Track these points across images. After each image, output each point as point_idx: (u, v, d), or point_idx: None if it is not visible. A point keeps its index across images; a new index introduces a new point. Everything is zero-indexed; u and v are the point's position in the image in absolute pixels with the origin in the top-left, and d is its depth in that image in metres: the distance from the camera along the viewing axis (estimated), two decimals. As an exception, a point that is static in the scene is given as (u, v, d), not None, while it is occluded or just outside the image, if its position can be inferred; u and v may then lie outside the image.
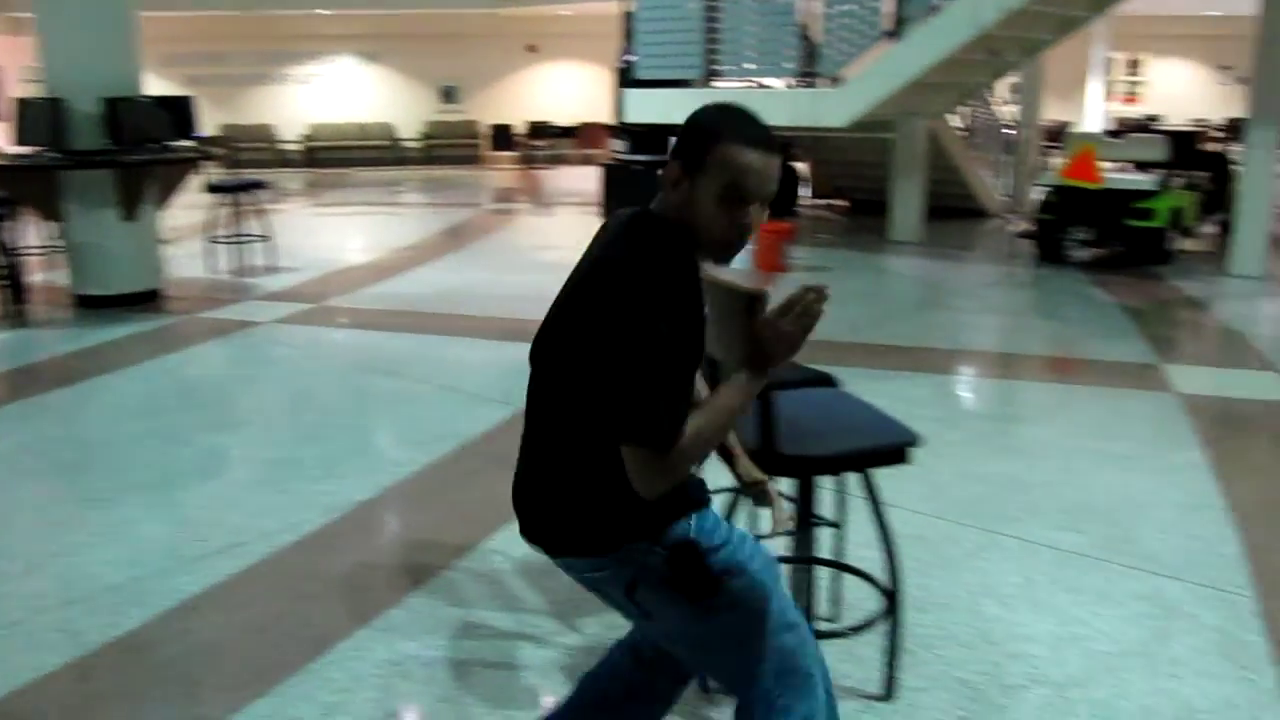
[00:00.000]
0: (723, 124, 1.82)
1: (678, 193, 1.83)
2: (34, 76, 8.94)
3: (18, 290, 7.67)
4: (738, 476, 2.23)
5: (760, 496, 2.21)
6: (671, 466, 1.74)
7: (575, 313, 1.82)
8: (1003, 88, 14.96)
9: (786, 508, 2.20)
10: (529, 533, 1.99)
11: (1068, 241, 9.55)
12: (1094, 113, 21.62)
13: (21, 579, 3.50)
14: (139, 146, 7.59)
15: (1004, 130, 13.72)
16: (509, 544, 3.69)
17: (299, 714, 2.70)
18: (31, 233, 8.80)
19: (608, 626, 3.12)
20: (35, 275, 8.53)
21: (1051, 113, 18.35)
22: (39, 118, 7.45)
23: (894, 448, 2.37)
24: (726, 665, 1.95)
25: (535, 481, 1.95)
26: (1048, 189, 9.82)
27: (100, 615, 3.23)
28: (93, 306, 7.69)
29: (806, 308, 1.80)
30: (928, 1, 9.13)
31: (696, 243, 1.84)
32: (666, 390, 1.72)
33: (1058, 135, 15.53)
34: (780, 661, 1.91)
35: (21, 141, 7.69)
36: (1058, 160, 11.14)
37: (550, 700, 2.71)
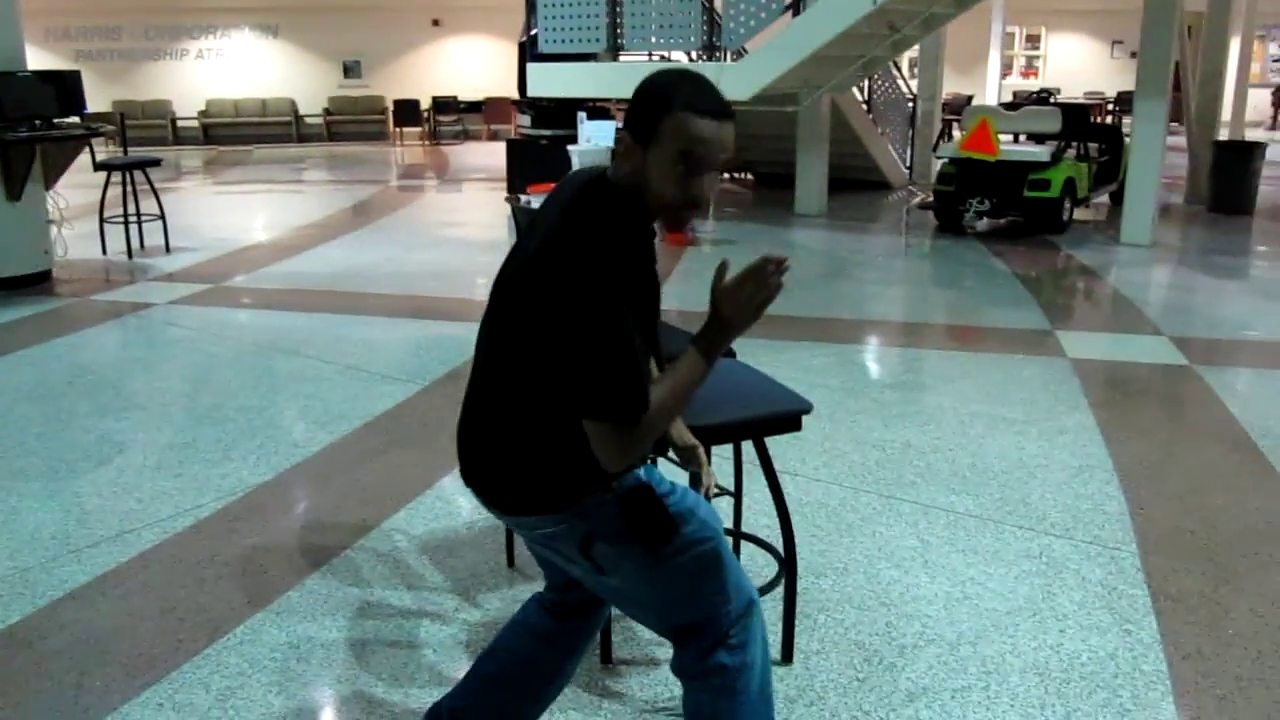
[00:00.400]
0: (674, 92, 1.79)
1: (630, 162, 1.82)
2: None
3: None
4: (671, 442, 2.25)
5: (692, 460, 2.24)
6: (637, 440, 1.77)
7: (534, 285, 1.80)
8: (906, 62, 15.19)
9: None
10: (476, 486, 1.98)
11: (967, 212, 9.75)
12: (993, 86, 22.06)
13: (-101, 573, 3.37)
14: (22, 124, 7.30)
15: (907, 103, 13.94)
16: (410, 523, 3.66)
17: (193, 700, 2.65)
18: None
19: (510, 601, 3.12)
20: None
21: (953, 86, 18.71)
22: (-88, 93, 7.11)
23: (787, 415, 2.40)
24: (683, 611, 1.97)
25: (486, 442, 1.94)
26: (947, 161, 10.01)
27: (-17, 608, 3.13)
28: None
29: (764, 280, 1.80)
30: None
31: (650, 210, 1.85)
32: (630, 366, 1.73)
33: (959, 109, 15.85)
34: (736, 600, 1.96)
35: (-106, 118, 7.34)
36: (958, 133, 11.36)
37: (453, 675, 2.70)
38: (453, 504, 3.83)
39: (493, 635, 2.91)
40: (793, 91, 10.18)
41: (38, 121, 7.46)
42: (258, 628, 2.99)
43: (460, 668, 2.77)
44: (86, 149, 8.22)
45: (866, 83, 13.24)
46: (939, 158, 10.98)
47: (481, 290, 7.82)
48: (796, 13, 9.40)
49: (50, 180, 7.80)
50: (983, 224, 10.01)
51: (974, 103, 14.68)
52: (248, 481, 4.07)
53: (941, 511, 3.76)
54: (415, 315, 6.91)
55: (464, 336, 6.25)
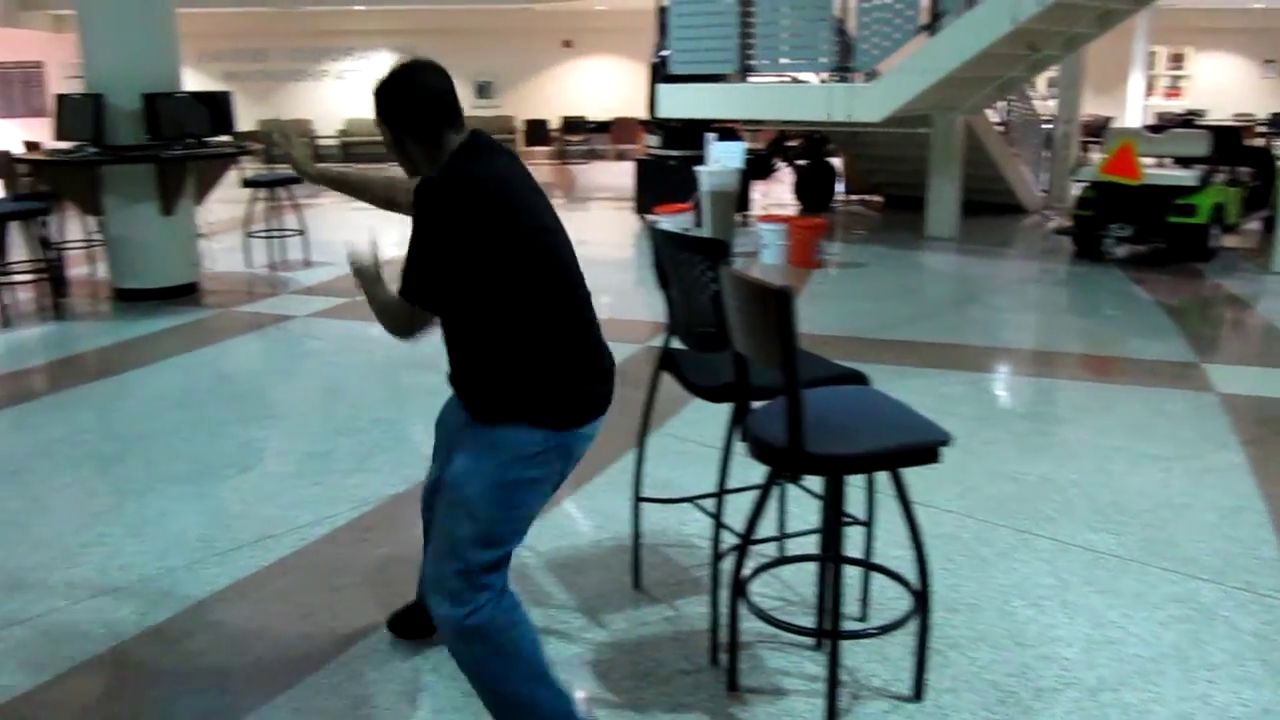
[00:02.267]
0: None
1: None
2: (75, 72, 9.04)
3: (58, 284, 7.77)
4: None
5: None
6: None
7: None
8: (1042, 82, 14.80)
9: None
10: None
11: (1107, 238, 9.43)
12: (1135, 108, 21.33)
13: (60, 568, 3.54)
14: (177, 142, 7.67)
15: (1043, 125, 13.58)
16: (537, 539, 3.69)
17: (327, 706, 2.72)
18: (72, 227, 8.90)
19: (635, 623, 3.11)
20: (76, 269, 8.63)
21: (1091, 107, 18.15)
22: (80, 113, 7.54)
23: (925, 446, 2.34)
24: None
25: None
26: (1087, 185, 9.70)
27: (134, 605, 3.27)
28: (131, 300, 7.79)
29: None
30: (965, -5, 9.05)
31: None
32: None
33: (1098, 130, 15.37)
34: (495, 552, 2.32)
35: (62, 136, 7.79)
36: (1097, 156, 11.01)
37: (578, 695, 2.71)
38: (579, 522, 3.86)
39: (619, 656, 2.93)
40: (926, 113, 10.03)
41: (191, 140, 7.82)
42: (391, 636, 3.05)
43: (586, 686, 2.78)
44: (234, 166, 8.59)
45: (1002, 104, 12.94)
46: (1078, 181, 10.65)
47: (607, 309, 7.88)
48: (932, 33, 9.26)
49: (201, 196, 8.16)
50: (1123, 250, 9.67)
51: (1114, 124, 14.22)
52: (380, 492, 4.17)
53: (1080, 549, 3.62)
54: (543, 332, 6.99)
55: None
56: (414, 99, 2.39)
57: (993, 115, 12.75)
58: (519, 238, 2.23)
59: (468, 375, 2.38)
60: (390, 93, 2.40)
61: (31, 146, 10.33)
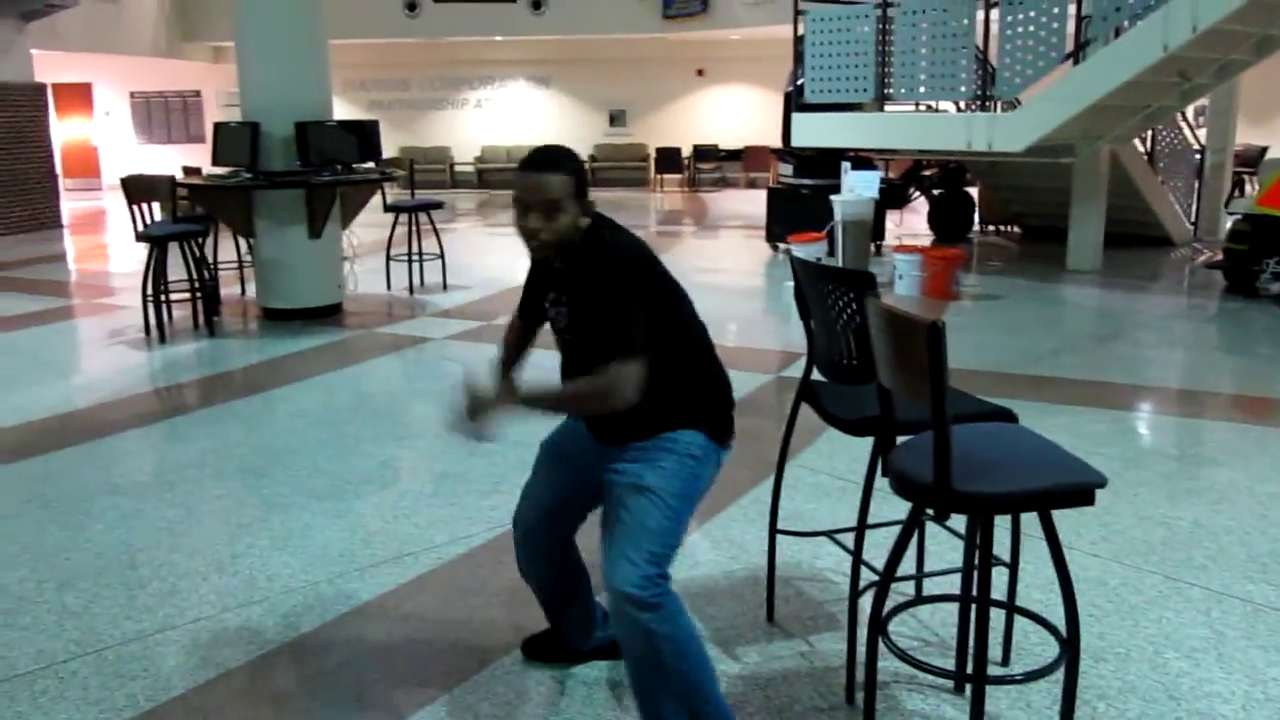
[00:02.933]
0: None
1: None
2: (231, 101, 9.47)
3: (211, 302, 8.14)
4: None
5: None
6: None
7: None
8: (1191, 111, 14.23)
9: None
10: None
11: (1262, 273, 8.99)
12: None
13: (209, 577, 3.69)
14: (326, 168, 7.97)
15: (1193, 155, 13.05)
16: (671, 567, 3.68)
17: (462, 725, 2.76)
18: (225, 248, 9.31)
19: (769, 657, 3.08)
20: (227, 289, 9.03)
21: (1245, 137, 17.35)
22: (237, 140, 7.91)
23: (1079, 489, 2.26)
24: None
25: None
26: (1240, 217, 9.27)
27: (278, 616, 3.38)
28: (278, 319, 8.10)
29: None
30: (1113, 22, 8.77)
31: None
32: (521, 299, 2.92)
33: (1252, 161, 14.70)
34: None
35: (218, 162, 8.18)
36: (1251, 188, 10.53)
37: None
38: (711, 552, 3.84)
39: (752, 690, 2.89)
40: (1069, 142, 9.75)
41: (339, 166, 8.11)
42: (524, 659, 3.08)
43: None
44: (379, 191, 8.88)
45: (1149, 133, 12.50)
46: (1231, 214, 10.20)
47: (737, 336, 7.86)
48: (1077, 61, 9.01)
49: (346, 220, 8.46)
50: (1279, 286, 9.20)
51: (1270, 155, 13.58)
52: (514, 514, 4.22)
53: (1237, 600, 3.44)
54: (673, 359, 7.00)
55: (721, 383, 6.28)
56: (583, 167, 2.54)
57: (1139, 145, 12.32)
58: (673, 280, 2.57)
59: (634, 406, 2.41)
60: (570, 157, 2.52)
61: (191, 172, 10.87)
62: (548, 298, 2.67)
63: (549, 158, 2.47)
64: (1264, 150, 16.66)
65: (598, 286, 2.41)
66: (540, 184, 2.43)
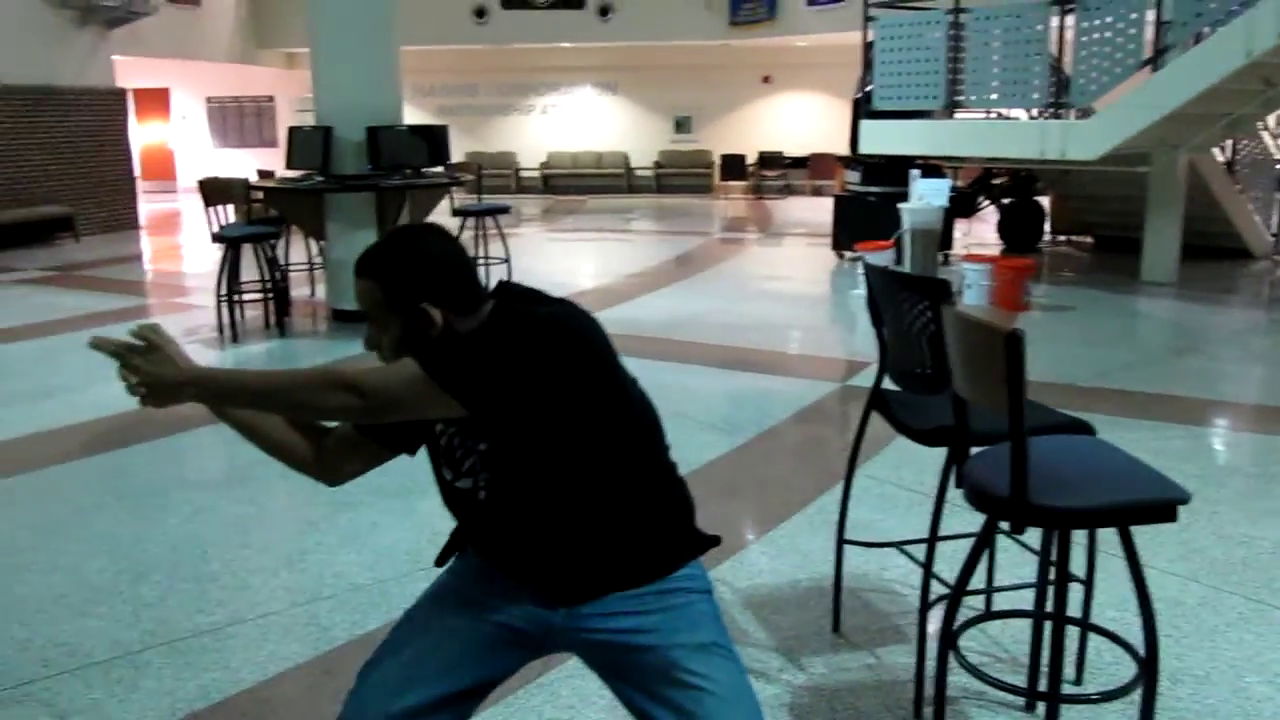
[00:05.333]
0: None
1: None
2: (304, 107, 9.61)
3: (282, 303, 8.27)
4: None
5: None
6: None
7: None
8: (1274, 119, 13.86)
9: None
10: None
11: (1348, 287, 8.73)
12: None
13: (279, 573, 3.75)
14: (396, 172, 8.07)
15: (1276, 165, 12.71)
16: (735, 575, 3.66)
17: (526, 727, 2.76)
18: (296, 250, 9.47)
19: (835, 668, 3.04)
20: (298, 290, 9.18)
21: (1330, 147, 16.86)
22: (309, 144, 8.04)
23: (1161, 504, 2.20)
24: None
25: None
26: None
27: (345, 613, 3.42)
28: (346, 320, 8.21)
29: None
30: (1194, 28, 8.58)
31: None
32: None
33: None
34: None
35: (292, 165, 8.32)
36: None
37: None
38: (777, 560, 3.81)
39: (817, 700, 2.86)
40: (1145, 151, 9.54)
41: (408, 170, 8.21)
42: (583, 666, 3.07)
43: (783, 730, 2.73)
44: (447, 195, 8.97)
45: (1229, 142, 12.20)
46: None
47: (801, 344, 7.80)
48: (1155, 68, 8.83)
49: (415, 223, 8.53)
50: (1366, 301, 8.93)
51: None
52: (578, 518, 4.22)
53: (1322, 625, 3.33)
54: (737, 367, 6.98)
55: (785, 389, 6.25)
56: (449, 265, 1.89)
57: (1218, 154, 12.03)
58: (624, 372, 1.91)
59: (592, 541, 1.87)
60: (396, 253, 1.86)
61: (265, 175, 11.07)
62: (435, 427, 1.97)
63: (365, 258, 1.86)
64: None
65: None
66: (357, 292, 1.88)
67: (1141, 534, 2.36)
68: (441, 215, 9.09)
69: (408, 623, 1.98)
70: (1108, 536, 2.40)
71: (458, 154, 20.87)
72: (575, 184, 22.78)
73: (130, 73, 18.02)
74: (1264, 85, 8.95)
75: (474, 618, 1.93)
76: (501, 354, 1.72)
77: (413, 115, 17.02)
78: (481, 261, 9.63)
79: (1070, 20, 9.22)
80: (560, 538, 1.85)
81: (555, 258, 13.01)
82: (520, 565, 1.92)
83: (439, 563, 2.07)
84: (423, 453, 2.07)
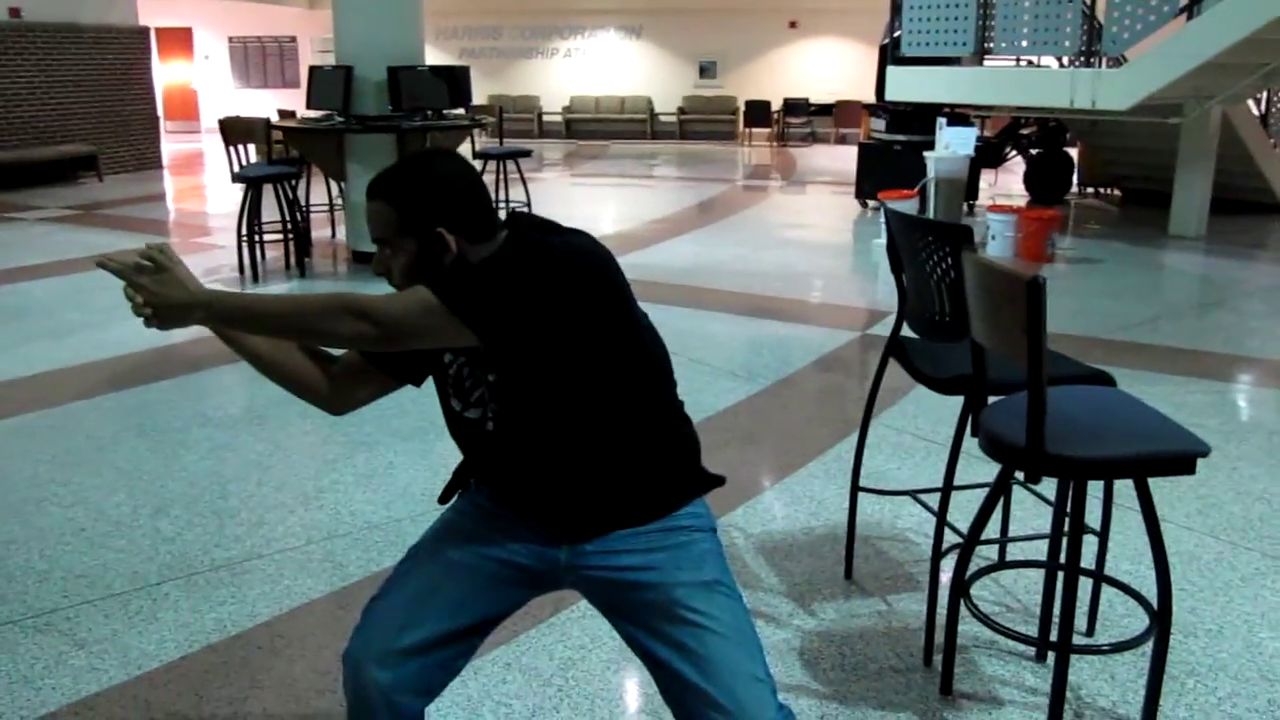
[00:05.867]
0: None
1: None
2: (326, 47, 9.54)
3: (303, 244, 8.27)
4: None
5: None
6: None
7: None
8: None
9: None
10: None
11: (1380, 244, 8.58)
12: None
13: (296, 510, 3.77)
14: (417, 113, 8.00)
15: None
16: (748, 521, 3.67)
17: (537, 665, 2.78)
18: (317, 191, 9.44)
19: (846, 615, 3.04)
20: (318, 231, 9.16)
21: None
22: (330, 84, 7.98)
23: (1180, 456, 2.17)
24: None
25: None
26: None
27: (361, 550, 3.45)
28: (366, 262, 8.19)
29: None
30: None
31: None
32: None
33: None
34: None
35: (312, 106, 8.27)
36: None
37: (784, 680, 2.67)
38: (791, 507, 3.80)
39: (827, 646, 2.87)
40: (1177, 102, 9.37)
41: (429, 112, 8.14)
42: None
43: (793, 674, 2.74)
44: (468, 138, 8.90)
45: (1264, 94, 11.96)
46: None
47: (822, 292, 7.75)
48: (1190, 16, 8.63)
49: (436, 166, 8.48)
50: (1399, 258, 8.78)
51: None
52: (594, 462, 4.23)
53: (1340, 581, 3.31)
54: (757, 314, 6.95)
55: (804, 337, 6.22)
56: (465, 189, 1.85)
57: (1253, 106, 11.79)
58: (638, 309, 1.87)
59: (598, 476, 1.84)
60: (409, 177, 1.83)
61: (286, 115, 11.02)
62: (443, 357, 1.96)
63: (380, 179, 1.84)
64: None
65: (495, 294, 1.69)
66: (369, 214, 1.86)
67: (1159, 488, 2.35)
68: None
69: (411, 560, 1.98)
70: (1125, 489, 2.38)
71: (480, 97, 20.74)
72: (598, 129, 22.60)
73: (153, 11, 17.94)
74: (1303, 35, 8.73)
75: (477, 554, 1.92)
76: (516, 282, 1.69)
77: (435, 57, 16.90)
78: (503, 205, 9.58)
79: (1105, -35, 9.01)
80: (566, 471, 1.84)
81: (577, 203, 12.93)
82: (525, 499, 1.91)
83: (443, 500, 2.07)
84: (433, 389, 2.06)
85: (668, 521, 1.87)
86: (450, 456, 4.34)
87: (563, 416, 1.81)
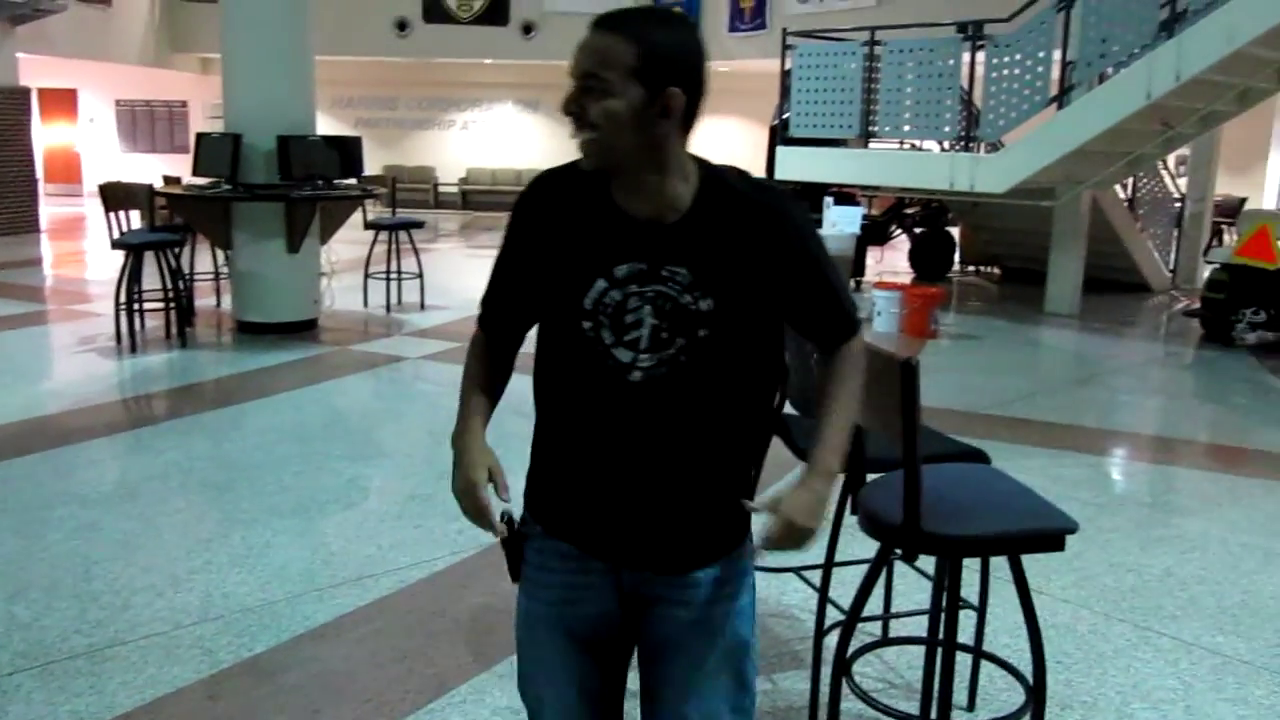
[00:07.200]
0: None
1: None
2: (218, 113, 9.43)
3: (186, 313, 8.05)
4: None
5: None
6: None
7: None
8: (1173, 160, 14.38)
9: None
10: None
11: (1239, 323, 9.05)
12: (1273, 189, 20.54)
13: (165, 593, 3.61)
14: (307, 183, 7.91)
15: (1174, 204, 13.17)
16: (635, 598, 3.63)
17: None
18: (202, 259, 9.22)
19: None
20: (202, 300, 8.94)
21: (1225, 187, 17.57)
22: (218, 151, 7.85)
23: (1050, 534, 2.23)
24: None
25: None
26: (1218, 267, 9.35)
27: (233, 635, 3.30)
28: (252, 333, 8.01)
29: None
30: (1098, 69, 8.85)
31: None
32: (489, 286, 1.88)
33: (1232, 211, 14.85)
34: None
35: (199, 172, 8.11)
36: (1230, 237, 10.62)
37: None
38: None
39: None
40: (1050, 186, 9.81)
41: (320, 181, 8.06)
42: (481, 688, 3.01)
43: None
44: (360, 208, 8.83)
45: (1130, 180, 12.61)
46: (1210, 263, 10.28)
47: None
48: (1061, 106, 9.08)
49: (325, 236, 8.39)
50: (1254, 336, 9.26)
51: (1250, 206, 13.72)
52: (481, 540, 4.14)
53: (1206, 652, 3.41)
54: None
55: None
56: (706, 73, 1.66)
57: (1120, 191, 12.42)
58: None
59: (717, 483, 1.72)
60: (686, 42, 1.62)
61: (171, 181, 10.78)
62: (604, 267, 1.69)
63: (626, 15, 1.61)
64: (1243, 201, 16.87)
65: (769, 249, 1.63)
66: (594, 46, 1.63)
67: (1035, 560, 2.39)
68: (354, 229, 8.96)
69: (540, 628, 1.86)
70: (1002, 565, 2.42)
71: (376, 167, 20.63)
72: (495, 200, 22.64)
73: (37, 72, 17.48)
74: (1163, 127, 9.26)
75: (567, 610, 1.81)
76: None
77: (332, 126, 16.81)
78: (394, 276, 9.50)
79: (981, 56, 9.45)
80: (688, 463, 1.67)
81: (473, 273, 12.88)
82: (604, 503, 1.73)
83: (515, 575, 1.90)
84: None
85: (735, 560, 1.76)
86: (331, 536, 4.20)
87: (729, 385, 1.67)
